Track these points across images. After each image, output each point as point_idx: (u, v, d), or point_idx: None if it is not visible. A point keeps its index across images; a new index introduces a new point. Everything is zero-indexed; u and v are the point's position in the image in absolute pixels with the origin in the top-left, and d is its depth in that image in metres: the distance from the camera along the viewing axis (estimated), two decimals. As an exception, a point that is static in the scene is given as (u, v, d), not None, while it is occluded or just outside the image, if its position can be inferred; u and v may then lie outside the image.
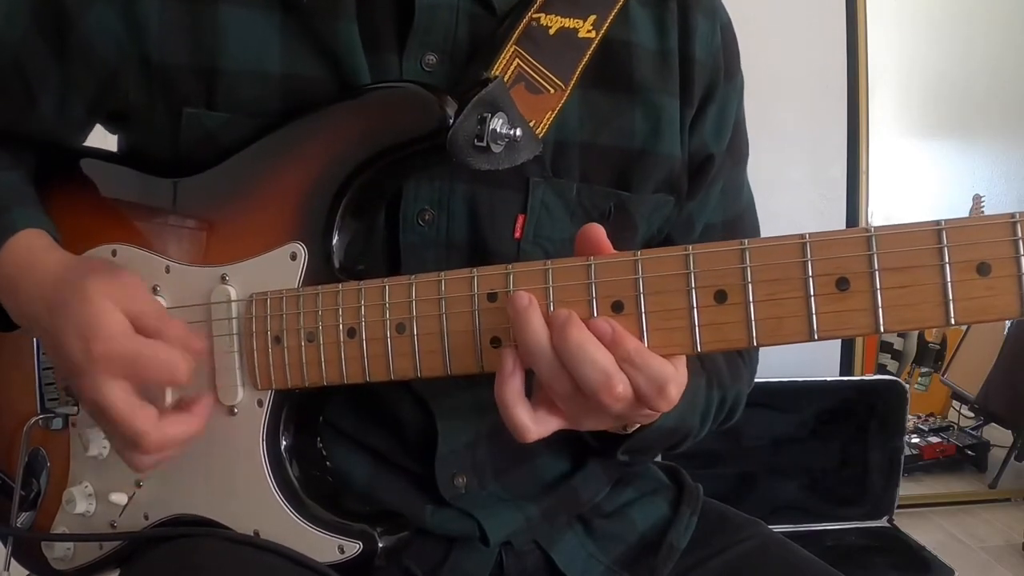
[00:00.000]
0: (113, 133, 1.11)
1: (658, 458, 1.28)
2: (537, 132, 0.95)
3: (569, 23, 0.99)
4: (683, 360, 0.81)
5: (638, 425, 0.96)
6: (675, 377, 0.79)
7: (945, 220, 0.68)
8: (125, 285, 0.92)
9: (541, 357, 0.79)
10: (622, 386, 0.77)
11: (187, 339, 0.93)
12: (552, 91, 0.97)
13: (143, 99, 0.99)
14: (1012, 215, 0.66)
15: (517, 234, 1.00)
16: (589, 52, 0.99)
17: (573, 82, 0.98)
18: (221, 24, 0.95)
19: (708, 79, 1.09)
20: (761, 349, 0.86)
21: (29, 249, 0.98)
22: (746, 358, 1.19)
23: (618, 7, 1.01)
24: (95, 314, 0.89)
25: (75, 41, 0.98)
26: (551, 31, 0.97)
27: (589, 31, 0.99)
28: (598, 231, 0.82)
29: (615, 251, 0.81)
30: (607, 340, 0.77)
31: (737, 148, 1.16)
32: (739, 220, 1.19)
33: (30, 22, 1.00)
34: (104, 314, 0.89)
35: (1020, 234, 0.65)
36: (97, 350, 0.87)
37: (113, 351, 0.88)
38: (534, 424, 0.82)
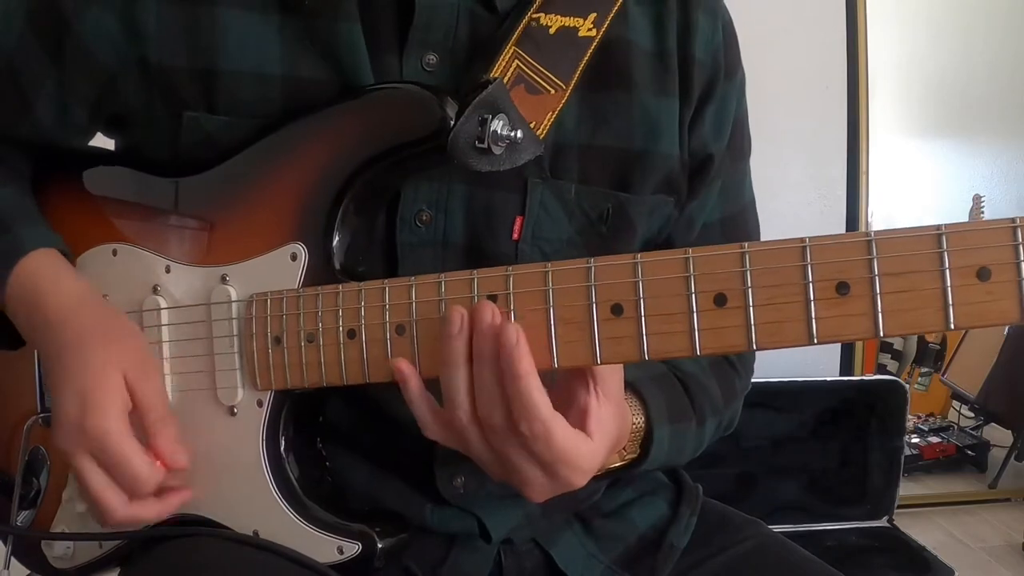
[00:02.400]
0: (111, 138, 1.11)
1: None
2: (538, 133, 0.95)
3: (570, 22, 0.98)
4: (612, 400, 0.84)
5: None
6: (575, 449, 0.82)
7: (945, 225, 0.67)
8: (143, 362, 0.95)
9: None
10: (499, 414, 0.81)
11: (171, 452, 0.94)
12: (552, 91, 0.97)
13: (142, 103, 0.99)
14: (1013, 220, 0.65)
15: (515, 235, 1.00)
16: (590, 51, 0.99)
17: (573, 82, 0.98)
18: (220, 26, 0.95)
19: (708, 78, 1.08)
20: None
21: (40, 276, 0.99)
22: (740, 369, 1.19)
23: (618, 5, 1.01)
24: (102, 388, 0.91)
25: (72, 45, 0.98)
26: (551, 30, 0.97)
27: (590, 29, 0.99)
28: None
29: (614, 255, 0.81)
30: (507, 348, 0.79)
31: (738, 145, 1.15)
32: (738, 218, 1.18)
33: (26, 27, 1.00)
34: (109, 390, 0.91)
35: (1021, 239, 0.65)
36: (88, 427, 0.90)
37: (99, 438, 0.90)
38: (434, 421, 0.86)
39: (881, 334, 0.69)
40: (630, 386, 0.98)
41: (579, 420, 0.83)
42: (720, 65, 1.10)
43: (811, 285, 0.71)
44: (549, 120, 0.97)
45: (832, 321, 0.70)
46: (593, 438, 0.83)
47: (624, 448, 0.97)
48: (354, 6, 0.95)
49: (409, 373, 0.85)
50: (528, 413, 0.79)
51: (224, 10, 0.95)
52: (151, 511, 0.94)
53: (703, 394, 1.09)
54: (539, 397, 0.79)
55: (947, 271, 0.67)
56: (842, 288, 0.70)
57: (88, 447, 0.90)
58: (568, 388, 0.84)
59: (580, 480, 0.85)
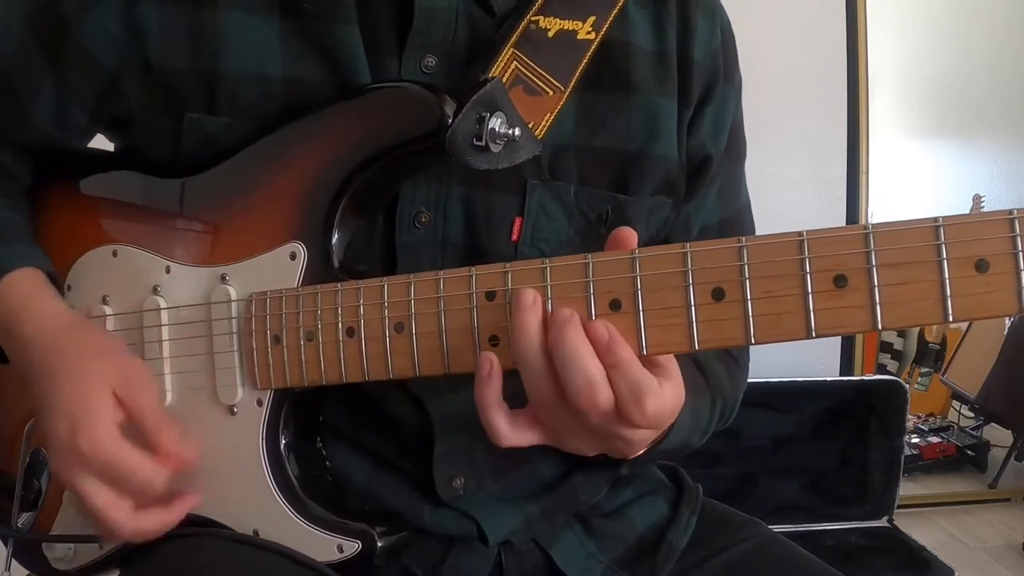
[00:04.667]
0: (111, 140, 1.11)
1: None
2: (536, 134, 0.95)
3: (568, 25, 0.99)
4: (674, 380, 0.81)
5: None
6: (655, 391, 0.77)
7: (943, 217, 0.68)
8: (134, 377, 0.93)
9: (530, 358, 0.78)
10: (604, 395, 0.76)
11: (177, 452, 0.93)
12: (551, 93, 0.97)
13: (143, 104, 0.99)
14: (1010, 212, 0.65)
15: (514, 237, 1.00)
16: (589, 54, 0.99)
17: (572, 84, 0.98)
18: (221, 28, 0.95)
19: (707, 80, 1.09)
20: (760, 348, 0.86)
21: (19, 295, 0.98)
22: (741, 361, 1.19)
23: (617, 8, 1.01)
24: (89, 405, 0.90)
25: (73, 48, 0.98)
26: (550, 33, 0.97)
27: (589, 32, 0.99)
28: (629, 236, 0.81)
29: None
30: (602, 345, 0.77)
31: (735, 148, 1.16)
32: (735, 220, 1.19)
33: (26, 30, 1.00)
34: (100, 404, 0.90)
35: (1018, 230, 0.65)
36: (80, 445, 0.89)
37: (95, 453, 0.89)
38: (510, 431, 0.82)
39: (879, 326, 0.69)
40: None
41: (662, 369, 0.81)
42: (719, 67, 1.10)
43: (809, 278, 0.71)
44: (547, 121, 0.97)
45: (830, 313, 0.70)
46: (672, 375, 0.81)
47: None
48: (353, 9, 0.96)
49: (496, 370, 0.81)
50: (639, 392, 0.77)
51: (225, 13, 0.95)
52: (157, 520, 0.93)
53: (715, 377, 1.08)
54: (644, 374, 0.77)
55: (945, 263, 0.67)
56: (840, 281, 0.70)
57: (87, 466, 0.90)
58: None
59: (672, 418, 0.83)
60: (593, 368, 0.76)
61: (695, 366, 1.06)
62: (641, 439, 0.84)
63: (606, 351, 0.77)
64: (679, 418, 0.96)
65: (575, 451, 0.85)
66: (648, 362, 0.79)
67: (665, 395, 0.79)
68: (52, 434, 0.92)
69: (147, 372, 0.96)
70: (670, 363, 0.82)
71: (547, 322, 0.79)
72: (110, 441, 0.90)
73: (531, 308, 0.79)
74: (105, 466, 0.89)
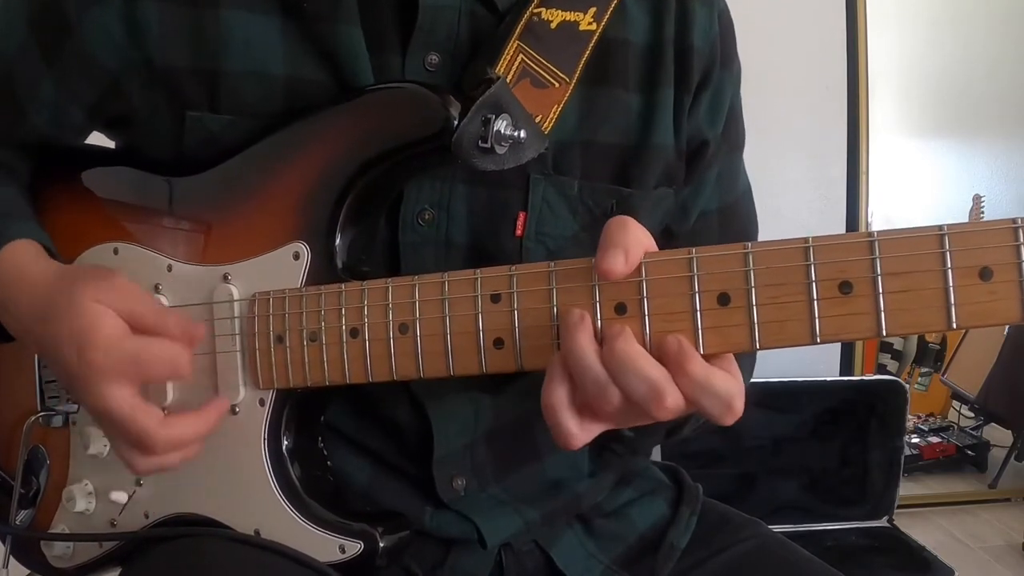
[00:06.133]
0: (111, 139, 1.11)
1: (657, 458, 1.28)
2: (544, 127, 0.95)
3: (570, 16, 0.99)
4: (732, 364, 0.79)
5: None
6: (741, 391, 0.76)
7: (948, 225, 0.67)
8: (117, 286, 0.91)
9: (588, 374, 0.76)
10: (671, 398, 0.74)
11: (186, 329, 0.93)
12: (557, 85, 0.97)
13: (145, 103, 0.99)
14: (1015, 220, 0.65)
15: (519, 232, 1.00)
16: (591, 44, 0.99)
17: (577, 75, 0.98)
18: (223, 27, 0.95)
19: (705, 66, 1.09)
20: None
21: (16, 261, 0.98)
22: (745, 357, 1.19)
23: None
24: (88, 320, 0.88)
25: (74, 47, 0.98)
26: (553, 25, 0.97)
27: (590, 23, 0.99)
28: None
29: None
30: (671, 359, 0.75)
31: (733, 135, 1.15)
32: (735, 207, 1.19)
33: (27, 31, 1.00)
34: (97, 319, 0.88)
35: (1022, 239, 0.65)
36: (93, 357, 0.87)
37: (110, 355, 0.87)
38: (580, 431, 0.79)
39: (884, 333, 0.69)
40: None
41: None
42: (716, 54, 1.10)
43: (814, 284, 0.71)
44: (555, 113, 0.97)
45: (835, 320, 0.70)
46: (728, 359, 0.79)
47: None
48: (354, 8, 0.95)
49: (561, 375, 0.79)
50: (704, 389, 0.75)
51: (227, 11, 0.95)
52: (186, 427, 0.91)
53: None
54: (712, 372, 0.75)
55: (949, 271, 0.67)
56: (845, 287, 0.70)
57: (106, 375, 0.88)
58: None
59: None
60: (654, 373, 0.74)
61: None
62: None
63: (676, 368, 0.75)
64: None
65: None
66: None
67: (739, 385, 0.77)
68: (64, 368, 0.90)
69: (123, 276, 0.93)
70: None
71: (601, 337, 0.77)
72: (120, 339, 0.88)
73: (579, 325, 0.77)
74: (125, 362, 0.88)
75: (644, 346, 0.76)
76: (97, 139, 1.11)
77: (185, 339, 0.92)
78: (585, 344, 0.76)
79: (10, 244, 0.98)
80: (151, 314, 0.91)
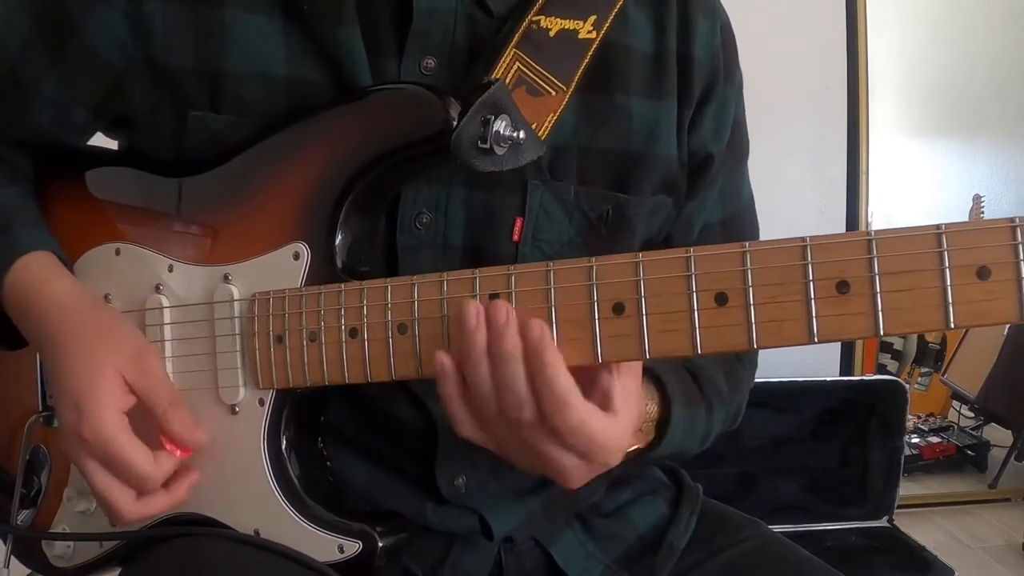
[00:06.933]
0: (113, 139, 1.11)
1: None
2: (539, 134, 0.95)
3: (569, 24, 0.99)
4: (616, 414, 0.82)
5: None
6: (611, 436, 0.81)
7: (945, 224, 0.68)
8: (145, 364, 0.94)
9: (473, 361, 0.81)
10: (528, 410, 0.79)
11: (187, 435, 0.94)
12: (553, 93, 0.97)
13: (148, 103, 0.99)
14: (1012, 219, 0.66)
15: (516, 237, 1.00)
16: (590, 53, 0.99)
17: (574, 84, 0.98)
18: (226, 28, 0.95)
19: (707, 79, 1.09)
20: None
21: (34, 278, 0.99)
22: (745, 361, 1.19)
23: (618, 7, 1.01)
24: (99, 391, 0.90)
25: (77, 45, 0.98)
26: (551, 33, 0.97)
27: (590, 32, 0.99)
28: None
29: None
30: (532, 343, 0.78)
31: (737, 146, 1.15)
32: (738, 218, 1.19)
33: (31, 28, 1.00)
34: (107, 394, 0.90)
35: (1020, 238, 0.65)
36: (85, 431, 0.89)
37: (98, 442, 0.89)
38: (470, 417, 0.84)
39: (881, 333, 0.69)
40: (647, 371, 0.98)
41: (604, 401, 0.82)
42: (719, 66, 1.10)
43: (812, 284, 0.71)
44: (550, 122, 0.97)
45: (833, 320, 0.70)
46: (620, 415, 0.82)
47: (641, 428, 0.96)
48: (353, 10, 0.96)
49: (449, 368, 0.83)
50: (561, 407, 0.79)
51: (230, 12, 0.95)
52: (160, 504, 0.94)
53: (710, 383, 1.09)
54: (570, 388, 0.79)
55: (947, 270, 0.67)
56: (843, 287, 0.70)
57: (90, 452, 0.90)
58: (585, 372, 0.82)
59: (615, 459, 0.84)
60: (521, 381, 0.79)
61: (689, 376, 1.06)
62: (576, 469, 0.84)
63: (531, 353, 0.78)
64: (670, 429, 0.98)
65: (524, 467, 0.86)
66: (590, 389, 0.82)
67: (594, 418, 0.81)
68: (61, 419, 0.92)
69: (156, 353, 0.96)
70: (615, 393, 0.83)
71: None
72: (113, 432, 0.89)
73: (478, 329, 0.80)
74: (105, 457, 0.90)
75: (642, 348, 0.77)
76: (100, 140, 1.11)
77: (180, 442, 0.94)
78: (480, 338, 0.80)
79: (23, 260, 0.99)
80: (161, 405, 0.93)
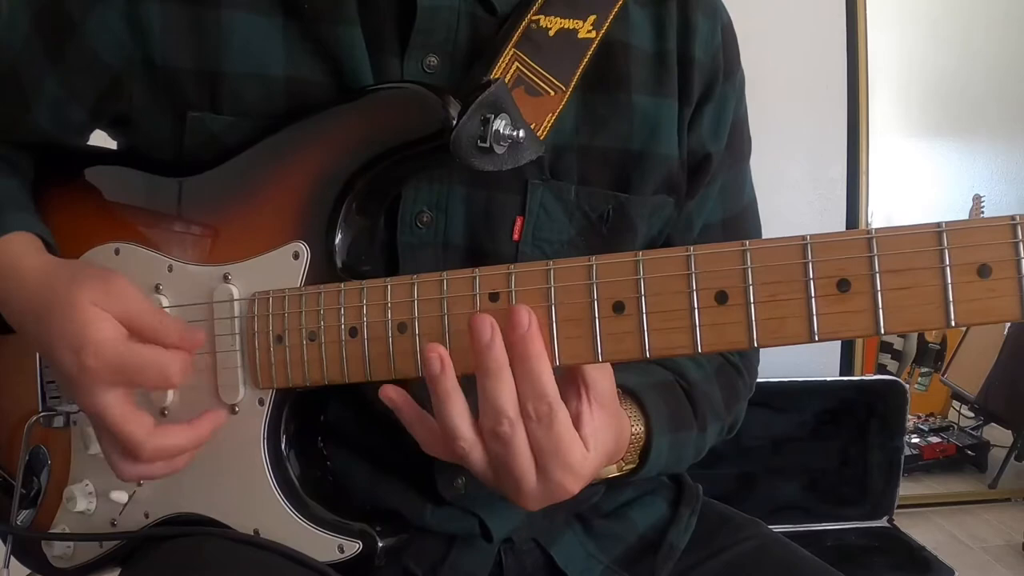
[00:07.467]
0: (114, 139, 1.11)
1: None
2: (538, 134, 0.95)
3: (569, 24, 0.98)
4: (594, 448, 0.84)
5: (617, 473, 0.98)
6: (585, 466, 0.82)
7: (946, 222, 0.67)
8: (115, 289, 0.91)
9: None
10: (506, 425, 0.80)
11: (184, 334, 0.93)
12: (552, 93, 0.97)
13: (147, 103, 0.99)
14: (1013, 217, 0.65)
15: (516, 236, 1.00)
16: (589, 52, 0.99)
17: (573, 84, 0.98)
18: (225, 27, 0.95)
19: (707, 78, 1.09)
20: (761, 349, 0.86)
21: (11, 254, 0.98)
22: (743, 370, 1.19)
23: (617, 7, 1.01)
24: (84, 323, 0.88)
25: (76, 46, 0.98)
26: (551, 33, 0.97)
27: (589, 31, 0.99)
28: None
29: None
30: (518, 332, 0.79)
31: (737, 146, 1.15)
32: (739, 218, 1.19)
33: (31, 27, 1.00)
34: (93, 322, 0.88)
35: (1021, 236, 0.65)
36: (88, 361, 0.87)
37: (103, 360, 0.88)
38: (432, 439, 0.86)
39: (882, 331, 0.69)
40: (632, 394, 0.98)
41: (574, 426, 0.83)
42: (719, 66, 1.10)
43: (812, 282, 0.71)
44: (549, 122, 0.97)
45: (833, 318, 0.70)
46: (587, 445, 0.83)
47: (623, 458, 0.97)
48: (354, 9, 0.96)
49: (402, 401, 0.85)
50: (537, 392, 0.79)
51: (228, 12, 0.95)
52: (176, 437, 0.92)
53: (706, 401, 1.09)
54: (549, 379, 0.79)
55: (948, 268, 0.67)
56: (843, 285, 0.70)
57: (99, 379, 0.88)
58: (560, 396, 0.83)
59: (572, 484, 0.84)
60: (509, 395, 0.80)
61: (684, 395, 1.07)
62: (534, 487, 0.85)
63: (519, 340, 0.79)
64: (650, 458, 0.99)
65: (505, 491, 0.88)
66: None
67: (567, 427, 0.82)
68: (61, 369, 0.90)
69: (125, 280, 0.93)
70: (602, 386, 0.85)
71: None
72: (114, 342, 0.88)
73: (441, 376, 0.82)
74: (116, 368, 0.88)
75: (642, 346, 0.77)
76: (100, 139, 1.11)
77: (182, 344, 0.92)
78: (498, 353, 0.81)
79: (5, 237, 0.99)
80: (148, 318, 0.91)
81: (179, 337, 0.92)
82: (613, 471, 0.97)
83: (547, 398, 0.79)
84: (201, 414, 0.94)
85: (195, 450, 0.94)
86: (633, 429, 0.97)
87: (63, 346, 0.89)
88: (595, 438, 0.84)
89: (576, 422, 0.83)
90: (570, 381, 0.84)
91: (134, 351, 0.89)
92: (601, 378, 0.84)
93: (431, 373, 0.81)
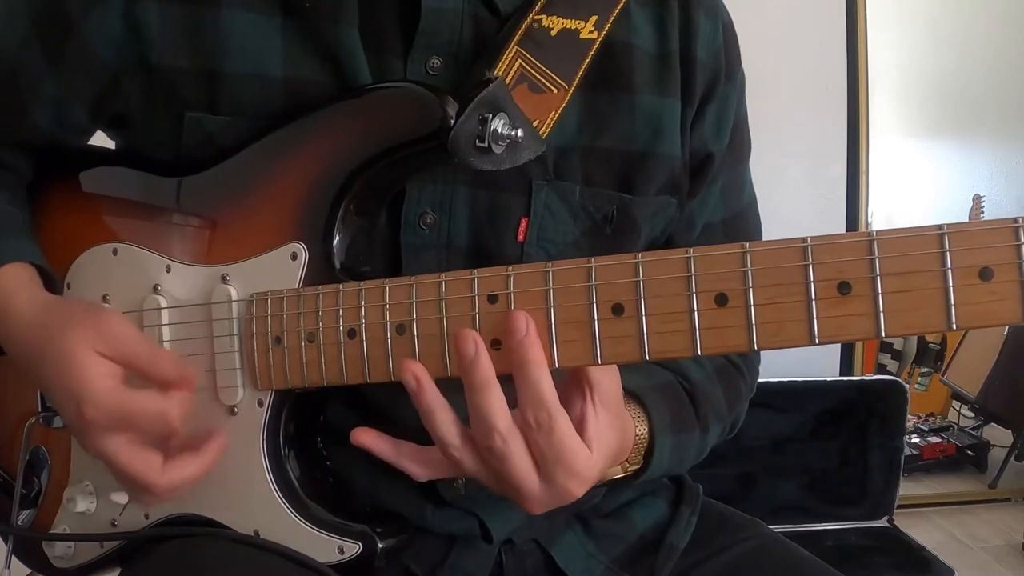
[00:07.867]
0: (113, 139, 1.11)
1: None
2: (541, 132, 0.95)
3: (571, 24, 0.98)
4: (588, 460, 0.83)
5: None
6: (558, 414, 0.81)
7: (947, 224, 0.67)
8: (109, 330, 0.91)
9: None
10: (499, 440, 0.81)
11: (180, 373, 0.92)
12: (555, 91, 0.97)
13: (144, 103, 0.99)
14: (1015, 220, 0.65)
15: (521, 237, 1.00)
16: (591, 53, 0.99)
17: (576, 82, 0.98)
18: (223, 28, 0.95)
19: (709, 79, 1.09)
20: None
21: (4, 291, 0.98)
22: (744, 371, 1.19)
23: (619, 7, 1.01)
24: (80, 374, 0.89)
25: (76, 45, 0.98)
26: (553, 32, 0.97)
27: (591, 32, 0.99)
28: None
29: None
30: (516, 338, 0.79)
31: (738, 146, 1.15)
32: (740, 218, 1.19)
33: (29, 28, 1.00)
34: (89, 371, 0.89)
35: (1023, 239, 0.65)
36: (88, 412, 0.88)
37: (103, 410, 0.88)
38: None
39: (883, 334, 0.69)
40: (634, 396, 0.98)
41: (577, 428, 0.83)
42: (721, 66, 1.10)
43: (812, 285, 0.70)
44: (552, 119, 0.97)
45: (834, 321, 0.70)
46: (591, 448, 0.83)
47: (627, 459, 0.97)
48: (355, 9, 0.95)
49: (375, 445, 0.88)
50: (535, 400, 0.79)
51: (227, 12, 0.95)
52: (190, 468, 0.92)
53: (707, 402, 1.09)
54: (548, 387, 0.79)
55: (949, 271, 0.67)
56: (844, 288, 0.70)
57: (101, 430, 0.89)
58: (565, 397, 0.83)
59: (577, 488, 0.84)
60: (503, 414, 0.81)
61: (686, 396, 1.07)
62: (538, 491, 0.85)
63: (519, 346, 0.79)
64: (654, 460, 0.99)
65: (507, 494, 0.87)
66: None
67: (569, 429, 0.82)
68: (63, 414, 0.92)
69: (119, 318, 0.94)
70: (607, 388, 0.85)
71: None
72: (110, 395, 0.88)
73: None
74: (116, 420, 0.88)
75: (641, 349, 0.77)
76: (100, 140, 1.11)
77: (181, 383, 0.92)
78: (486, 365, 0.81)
79: (3, 268, 0.99)
80: (145, 359, 0.91)
81: (176, 375, 0.92)
82: (618, 472, 0.97)
83: (546, 406, 0.79)
84: (205, 444, 0.94)
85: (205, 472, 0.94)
86: (637, 431, 0.97)
87: (62, 394, 0.90)
88: (599, 440, 0.84)
89: (580, 424, 0.83)
90: (574, 382, 0.84)
91: (134, 400, 0.89)
92: (606, 379, 0.84)
93: (409, 391, 0.82)
